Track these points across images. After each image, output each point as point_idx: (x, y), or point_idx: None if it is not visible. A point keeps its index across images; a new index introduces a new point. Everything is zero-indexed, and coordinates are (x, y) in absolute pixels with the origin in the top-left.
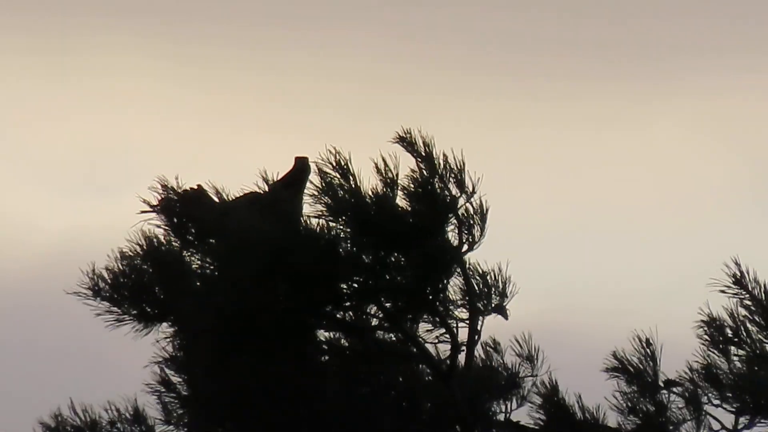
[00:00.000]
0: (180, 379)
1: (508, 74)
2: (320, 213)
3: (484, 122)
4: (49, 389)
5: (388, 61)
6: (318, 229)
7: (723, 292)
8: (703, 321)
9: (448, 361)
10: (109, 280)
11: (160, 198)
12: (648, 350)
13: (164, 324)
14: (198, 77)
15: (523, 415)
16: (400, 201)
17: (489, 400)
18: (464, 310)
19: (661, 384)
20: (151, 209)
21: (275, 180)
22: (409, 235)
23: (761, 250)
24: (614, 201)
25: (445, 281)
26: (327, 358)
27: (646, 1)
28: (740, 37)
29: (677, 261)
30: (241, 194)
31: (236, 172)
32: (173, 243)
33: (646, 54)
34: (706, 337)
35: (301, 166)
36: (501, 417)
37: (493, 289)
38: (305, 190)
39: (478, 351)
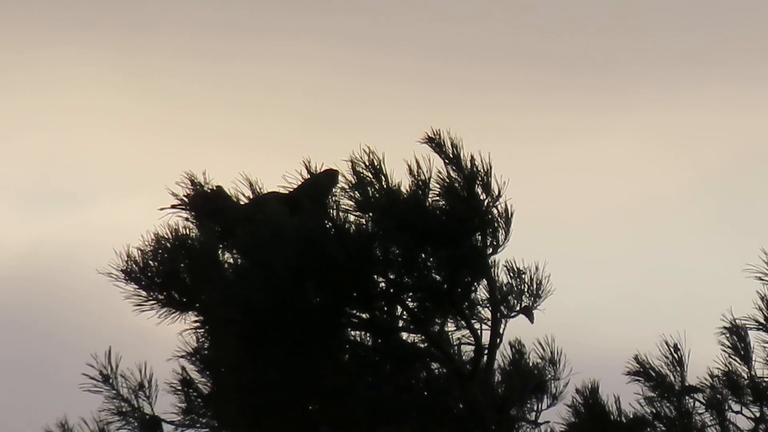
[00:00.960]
0: (203, 377)
1: (461, 86)
2: (350, 207)
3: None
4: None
5: (343, 74)
6: (349, 225)
7: (760, 279)
8: (725, 327)
9: (469, 363)
10: (140, 262)
11: (185, 194)
12: (676, 355)
13: (190, 313)
14: (151, 89)
15: (549, 415)
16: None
17: (512, 401)
18: (488, 311)
19: (680, 389)
20: (176, 205)
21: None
22: (440, 234)
23: (712, 262)
24: (565, 211)
25: (474, 282)
26: (351, 356)
27: (600, 15)
28: (691, 50)
29: (627, 273)
30: (265, 193)
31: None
32: (201, 236)
33: (599, 66)
34: (728, 343)
35: (329, 174)
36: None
37: (527, 288)
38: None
39: (502, 352)
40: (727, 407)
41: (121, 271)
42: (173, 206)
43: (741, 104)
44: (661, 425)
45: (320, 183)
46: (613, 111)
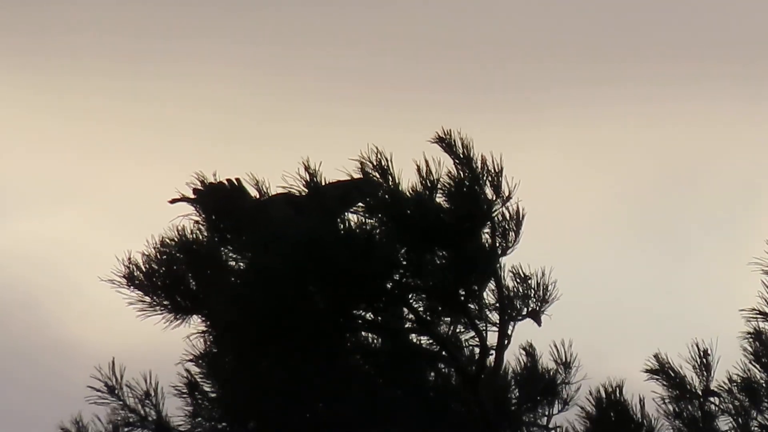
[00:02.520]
0: (208, 382)
1: (379, 105)
2: (357, 209)
3: (353, 152)
4: None
5: (253, 92)
6: (354, 226)
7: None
8: (748, 333)
9: (474, 365)
10: (143, 268)
11: (194, 189)
12: (704, 360)
13: (195, 317)
14: (67, 107)
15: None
16: (438, 202)
17: (522, 404)
18: (496, 313)
19: (700, 392)
20: (186, 197)
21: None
22: (446, 235)
23: (631, 277)
24: None
25: (482, 284)
26: (357, 358)
27: (516, 34)
28: (606, 68)
29: None
30: (277, 193)
31: (109, 202)
32: (207, 235)
33: (514, 84)
34: (750, 349)
35: (361, 182)
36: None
37: (533, 292)
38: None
39: (515, 355)
40: (750, 416)
41: (124, 277)
42: (183, 198)
43: (655, 121)
44: (680, 424)
45: (349, 188)
46: (529, 128)
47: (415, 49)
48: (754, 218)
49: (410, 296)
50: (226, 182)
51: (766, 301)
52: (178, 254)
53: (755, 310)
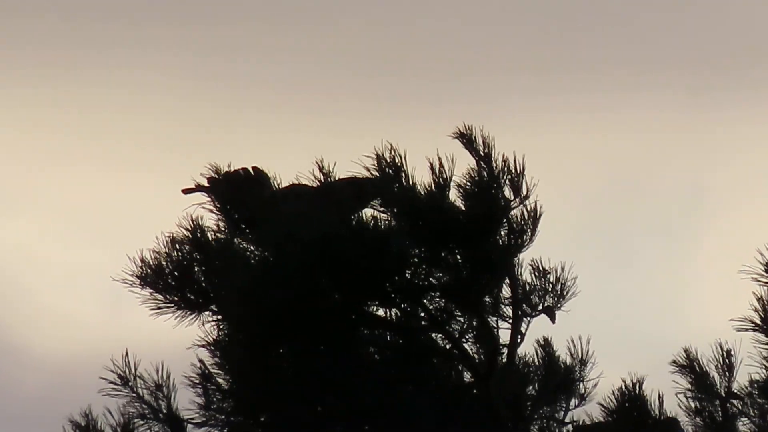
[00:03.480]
0: (221, 372)
1: (322, 113)
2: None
3: (296, 159)
4: None
5: (188, 99)
6: (369, 222)
7: (756, 280)
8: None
9: (487, 363)
10: (153, 265)
11: (208, 178)
12: (728, 361)
13: (207, 313)
14: (18, 116)
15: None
16: (453, 200)
17: (536, 401)
18: (509, 309)
19: (723, 394)
20: (201, 186)
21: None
22: (461, 233)
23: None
24: None
25: (495, 282)
26: (368, 354)
27: (462, 42)
28: (551, 77)
29: None
30: (288, 185)
31: (61, 209)
32: (221, 227)
33: (459, 92)
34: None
35: (371, 182)
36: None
37: (551, 288)
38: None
39: (532, 350)
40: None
41: (137, 276)
42: (198, 187)
43: (602, 130)
44: (700, 419)
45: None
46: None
47: (356, 61)
48: (696, 226)
49: (423, 294)
50: (241, 171)
51: (756, 310)
52: (190, 250)
53: (747, 319)
